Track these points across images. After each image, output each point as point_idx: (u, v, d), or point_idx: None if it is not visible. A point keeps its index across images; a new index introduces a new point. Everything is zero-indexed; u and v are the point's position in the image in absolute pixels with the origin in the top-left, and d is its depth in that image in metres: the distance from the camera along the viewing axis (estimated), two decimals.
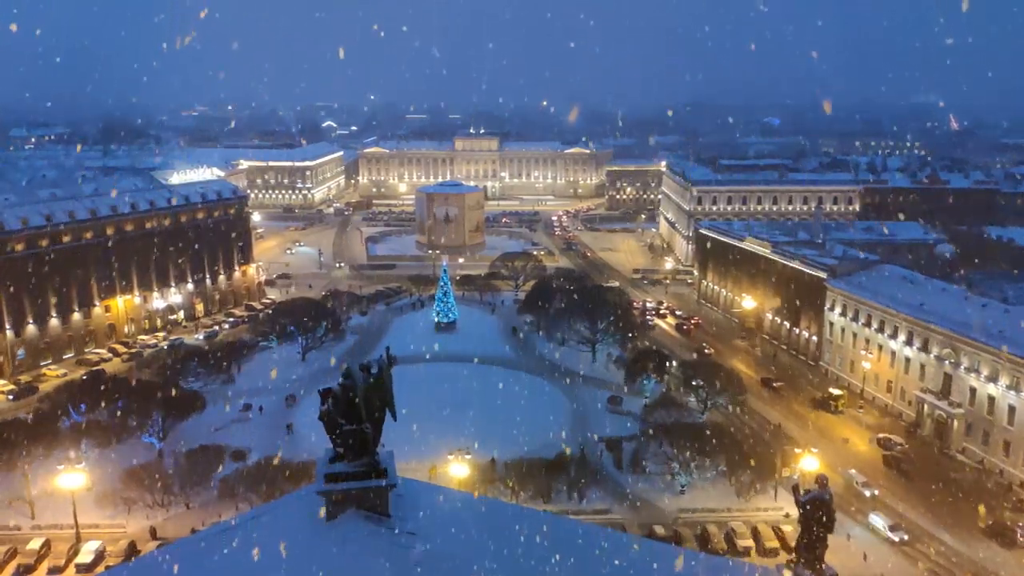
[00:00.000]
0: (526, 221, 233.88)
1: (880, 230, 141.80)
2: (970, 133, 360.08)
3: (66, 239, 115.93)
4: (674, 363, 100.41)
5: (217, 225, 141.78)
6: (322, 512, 19.54)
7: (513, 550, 20.11)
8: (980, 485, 77.93)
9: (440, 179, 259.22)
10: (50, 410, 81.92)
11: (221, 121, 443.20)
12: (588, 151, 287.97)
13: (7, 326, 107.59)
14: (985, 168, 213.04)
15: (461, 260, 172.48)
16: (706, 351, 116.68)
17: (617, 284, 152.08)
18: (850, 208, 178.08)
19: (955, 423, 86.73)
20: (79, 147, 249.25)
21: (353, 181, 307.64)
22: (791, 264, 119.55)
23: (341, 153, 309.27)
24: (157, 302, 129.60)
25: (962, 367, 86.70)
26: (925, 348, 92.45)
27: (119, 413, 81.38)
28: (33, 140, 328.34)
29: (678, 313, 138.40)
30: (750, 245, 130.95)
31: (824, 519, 22.00)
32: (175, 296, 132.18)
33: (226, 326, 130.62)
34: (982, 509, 71.55)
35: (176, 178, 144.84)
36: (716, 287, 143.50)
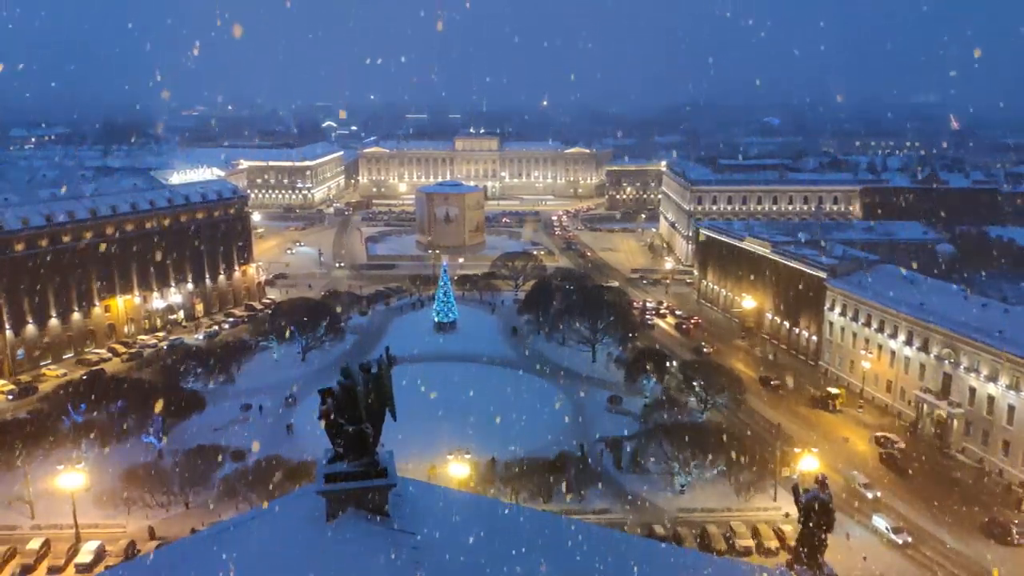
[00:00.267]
0: (526, 221, 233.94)
1: (880, 230, 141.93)
2: (970, 133, 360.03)
3: (66, 239, 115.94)
4: (674, 363, 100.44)
5: (217, 225, 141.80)
6: (322, 511, 19.55)
7: (513, 550, 20.11)
8: (979, 485, 78.01)
9: (440, 179, 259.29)
10: (50, 410, 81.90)
11: (221, 121, 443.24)
12: (588, 151, 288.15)
13: (7, 326, 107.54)
14: (985, 168, 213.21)
15: (461, 260, 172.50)
16: (705, 350, 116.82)
17: (617, 284, 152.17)
18: (850, 208, 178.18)
19: (955, 423, 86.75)
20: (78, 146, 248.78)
21: (353, 181, 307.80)
22: (791, 264, 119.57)
23: (341, 153, 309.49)
24: (157, 302, 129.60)
25: (962, 367, 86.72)
26: (925, 348, 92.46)
27: (119, 413, 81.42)
28: (33, 140, 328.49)
29: (678, 313, 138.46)
30: (750, 245, 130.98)
31: (824, 519, 22.03)
32: (175, 296, 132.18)
33: (226, 326, 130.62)
34: (977, 507, 71.76)
35: (176, 178, 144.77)
36: (716, 287, 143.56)
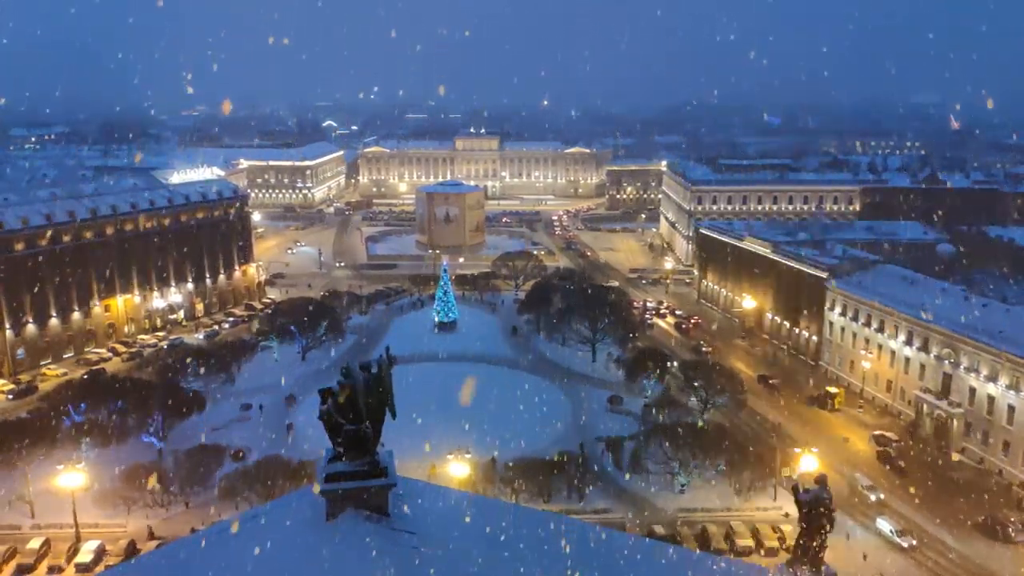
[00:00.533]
0: (526, 221, 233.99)
1: (880, 230, 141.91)
2: (970, 133, 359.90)
3: (66, 238, 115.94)
4: (675, 364, 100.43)
5: (217, 224, 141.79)
6: (322, 511, 19.55)
7: (513, 550, 20.12)
8: (980, 485, 78.01)
9: (440, 179, 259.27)
10: (50, 410, 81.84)
11: (221, 121, 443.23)
12: (588, 151, 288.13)
13: (7, 325, 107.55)
14: (985, 168, 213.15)
15: (461, 260, 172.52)
16: (704, 349, 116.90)
17: (617, 284, 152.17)
18: (850, 208, 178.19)
19: (955, 423, 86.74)
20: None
21: (353, 181, 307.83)
22: (791, 264, 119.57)
23: (341, 153, 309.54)
24: (157, 302, 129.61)
25: (962, 367, 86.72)
26: (925, 348, 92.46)
27: (119, 413, 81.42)
28: (33, 140, 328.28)
29: (678, 313, 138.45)
30: (750, 245, 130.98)
31: (824, 519, 22.00)
32: (175, 296, 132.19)
33: (226, 326, 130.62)
34: (973, 506, 71.88)
35: (176, 178, 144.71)
36: (716, 287, 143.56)
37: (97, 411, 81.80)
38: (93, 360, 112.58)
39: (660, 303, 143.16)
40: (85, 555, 64.07)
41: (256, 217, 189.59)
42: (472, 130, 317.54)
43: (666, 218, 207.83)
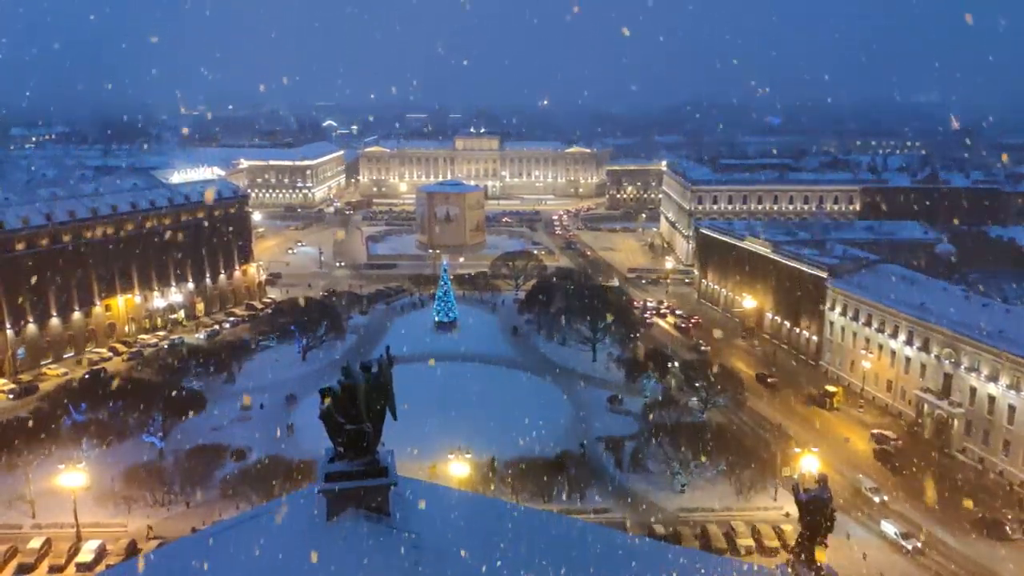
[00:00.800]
0: (527, 220, 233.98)
1: (880, 230, 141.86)
2: (970, 133, 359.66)
3: (67, 238, 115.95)
4: (676, 364, 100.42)
5: (218, 224, 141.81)
6: (323, 510, 19.57)
7: (513, 549, 20.13)
8: (980, 485, 77.98)
9: (441, 178, 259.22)
10: (51, 409, 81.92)
11: (222, 120, 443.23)
12: (588, 150, 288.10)
13: (8, 325, 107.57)
14: (985, 168, 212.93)
15: (461, 259, 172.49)
16: (703, 348, 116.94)
17: (617, 283, 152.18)
18: (850, 208, 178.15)
19: (955, 423, 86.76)
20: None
21: (354, 180, 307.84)
22: (792, 264, 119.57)
23: (341, 152, 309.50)
24: (158, 301, 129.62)
25: (962, 367, 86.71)
26: (925, 348, 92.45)
27: (120, 412, 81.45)
28: (33, 139, 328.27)
29: (678, 312, 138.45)
30: (750, 245, 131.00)
31: (824, 519, 22.01)
32: (176, 295, 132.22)
33: (227, 325, 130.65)
34: (970, 503, 72.13)
35: (176, 177, 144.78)
36: (716, 287, 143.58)
37: (98, 411, 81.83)
38: (94, 360, 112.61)
39: (660, 303, 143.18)
40: (86, 555, 64.09)
41: (256, 217, 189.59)
42: (472, 130, 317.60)
43: (666, 218, 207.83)
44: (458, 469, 72.76)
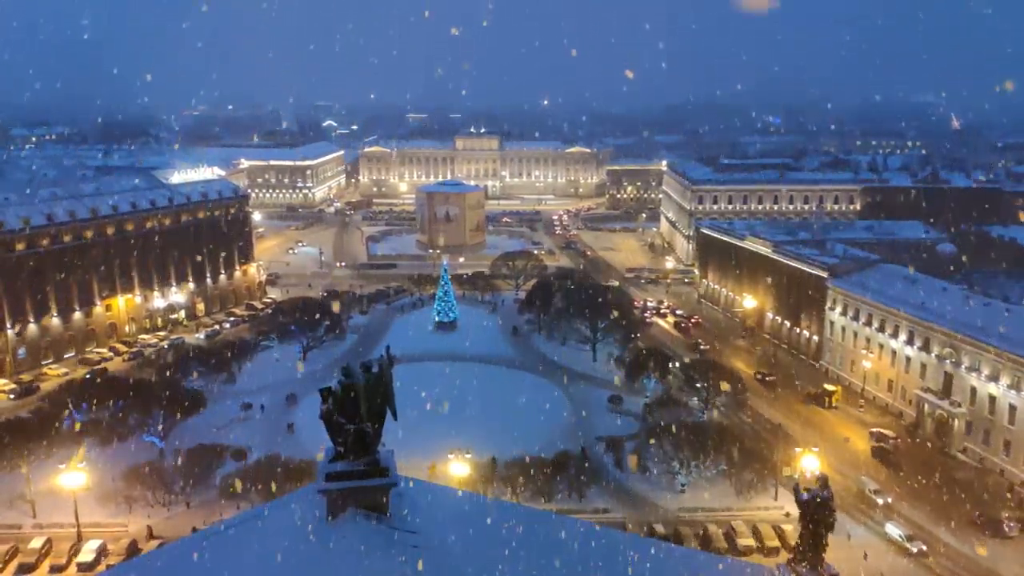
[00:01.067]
0: (527, 220, 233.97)
1: (881, 229, 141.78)
2: (971, 132, 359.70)
3: (67, 238, 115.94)
4: (677, 364, 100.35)
5: (218, 224, 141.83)
6: (323, 510, 19.57)
7: (513, 549, 20.13)
8: (981, 484, 77.92)
9: (441, 178, 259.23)
10: (51, 409, 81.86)
11: (222, 120, 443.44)
12: (589, 150, 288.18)
13: (8, 325, 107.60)
14: (986, 167, 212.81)
15: (461, 259, 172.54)
16: (702, 347, 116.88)
17: (617, 283, 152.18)
18: (851, 207, 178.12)
19: (956, 423, 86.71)
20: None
21: (354, 180, 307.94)
22: (792, 263, 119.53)
23: (342, 152, 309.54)
24: (158, 301, 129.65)
25: (963, 366, 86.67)
26: (926, 347, 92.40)
27: (120, 412, 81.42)
28: (33, 140, 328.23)
29: (678, 312, 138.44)
30: (751, 244, 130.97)
31: (824, 518, 22.02)
32: (176, 295, 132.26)
33: (227, 325, 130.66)
34: (978, 508, 71.86)
35: (177, 177, 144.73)
36: (717, 286, 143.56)
37: (98, 411, 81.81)
38: (94, 360, 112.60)
39: (660, 303, 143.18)
40: (87, 554, 64.11)
41: (257, 217, 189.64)
42: (472, 130, 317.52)
43: (666, 218, 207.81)
44: (458, 469, 72.77)
